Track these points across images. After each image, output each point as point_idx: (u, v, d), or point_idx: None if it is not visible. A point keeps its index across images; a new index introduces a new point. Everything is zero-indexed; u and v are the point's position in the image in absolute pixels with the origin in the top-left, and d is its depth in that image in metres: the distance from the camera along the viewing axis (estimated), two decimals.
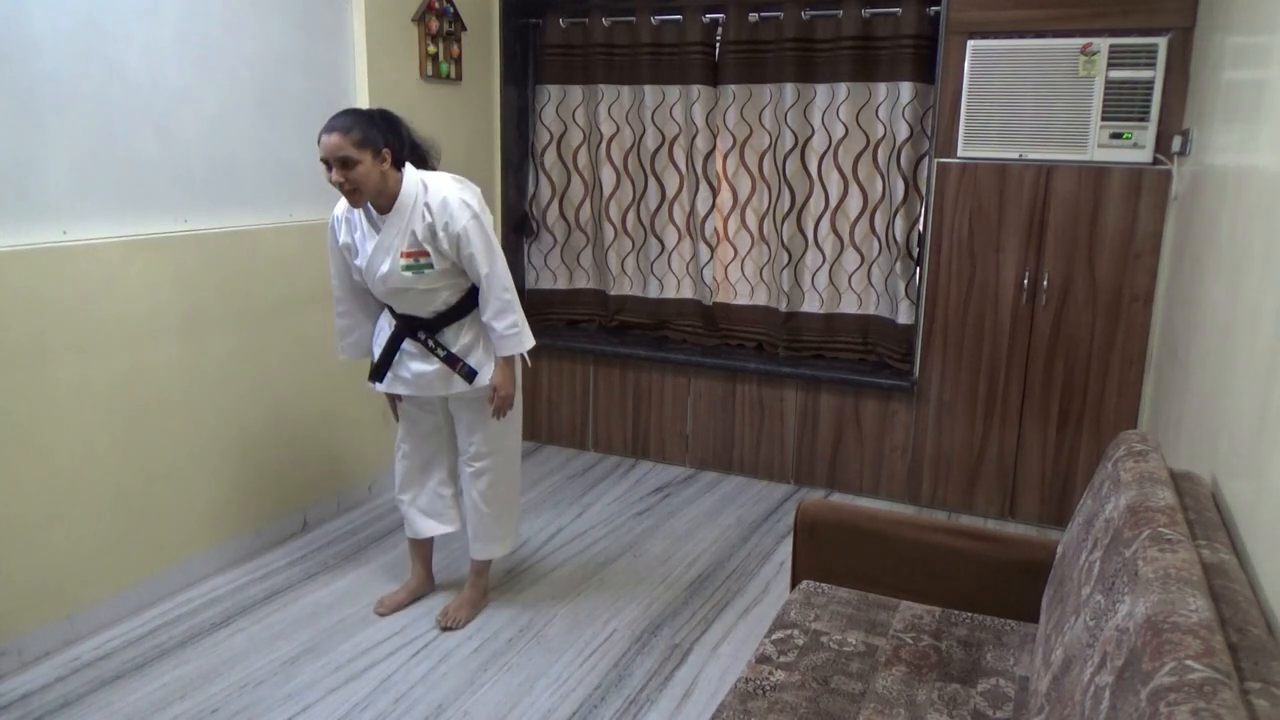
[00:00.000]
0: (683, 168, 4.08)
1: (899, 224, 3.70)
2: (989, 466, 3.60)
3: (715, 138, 4.01)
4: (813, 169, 3.81)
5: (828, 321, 3.95)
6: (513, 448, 2.80)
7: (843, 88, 3.71)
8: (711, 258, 4.10)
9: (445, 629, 2.73)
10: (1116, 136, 3.19)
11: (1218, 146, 2.51)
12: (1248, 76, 2.22)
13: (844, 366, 3.87)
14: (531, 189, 4.40)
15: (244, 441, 3.11)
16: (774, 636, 1.96)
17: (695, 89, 3.93)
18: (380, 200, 2.44)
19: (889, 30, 3.59)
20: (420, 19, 3.62)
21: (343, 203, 2.50)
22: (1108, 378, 3.37)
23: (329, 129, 2.33)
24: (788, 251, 3.92)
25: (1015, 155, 3.33)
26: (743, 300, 4.15)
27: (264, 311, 3.13)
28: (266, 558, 3.16)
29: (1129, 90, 3.15)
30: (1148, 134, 3.15)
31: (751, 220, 4.05)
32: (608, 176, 4.22)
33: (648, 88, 4.03)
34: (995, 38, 3.28)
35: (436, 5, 3.67)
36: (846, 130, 3.74)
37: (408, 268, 2.45)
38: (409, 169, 2.46)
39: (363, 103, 3.36)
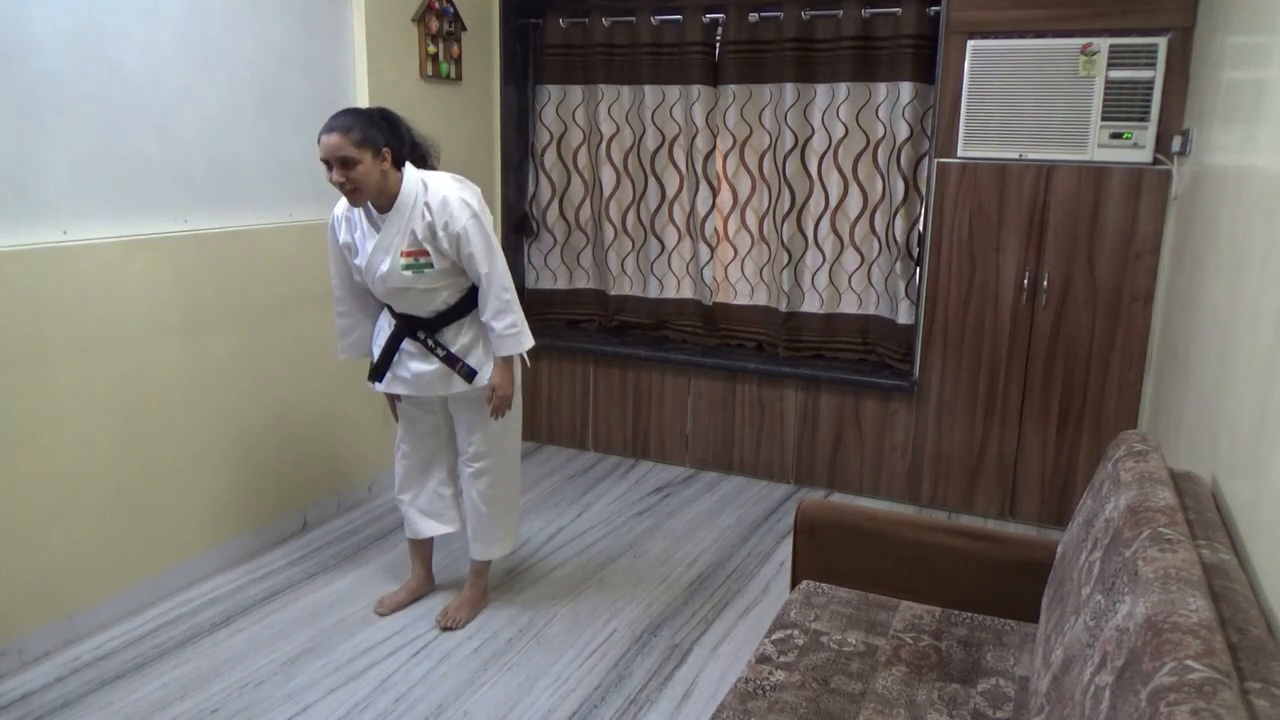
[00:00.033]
0: (683, 168, 4.08)
1: (899, 224, 3.70)
2: (989, 466, 3.60)
3: (715, 138, 4.01)
4: (813, 169, 3.81)
5: (828, 321, 3.95)
6: (512, 448, 2.80)
7: (843, 88, 3.71)
8: (711, 258, 4.10)
9: (445, 629, 2.73)
10: (1116, 136, 3.19)
11: (1218, 146, 2.51)
12: (1248, 76, 2.22)
13: (844, 366, 3.87)
14: (531, 189, 4.40)
15: (244, 441, 3.11)
16: (774, 636, 1.96)
17: (695, 89, 3.93)
18: (380, 199, 2.44)
19: (889, 30, 3.59)
20: (420, 19, 3.62)
21: (343, 202, 2.50)
22: (1108, 378, 3.37)
23: (329, 129, 2.33)
24: (788, 251, 3.92)
25: (1015, 155, 3.33)
26: (743, 300, 4.15)
27: (264, 311, 3.13)
28: (266, 558, 3.16)
29: (1129, 90, 3.15)
30: (1148, 134, 3.15)
31: (751, 220, 4.05)
32: (608, 176, 4.22)
33: (648, 88, 4.03)
34: (995, 38, 3.28)
35: (436, 5, 3.67)
36: (846, 130, 3.74)
37: (407, 267, 2.45)
38: (409, 168, 2.46)
39: (363, 103, 3.36)
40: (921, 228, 3.63)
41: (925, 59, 3.54)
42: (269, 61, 3.08)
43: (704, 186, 4.03)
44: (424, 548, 2.91)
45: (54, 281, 2.48)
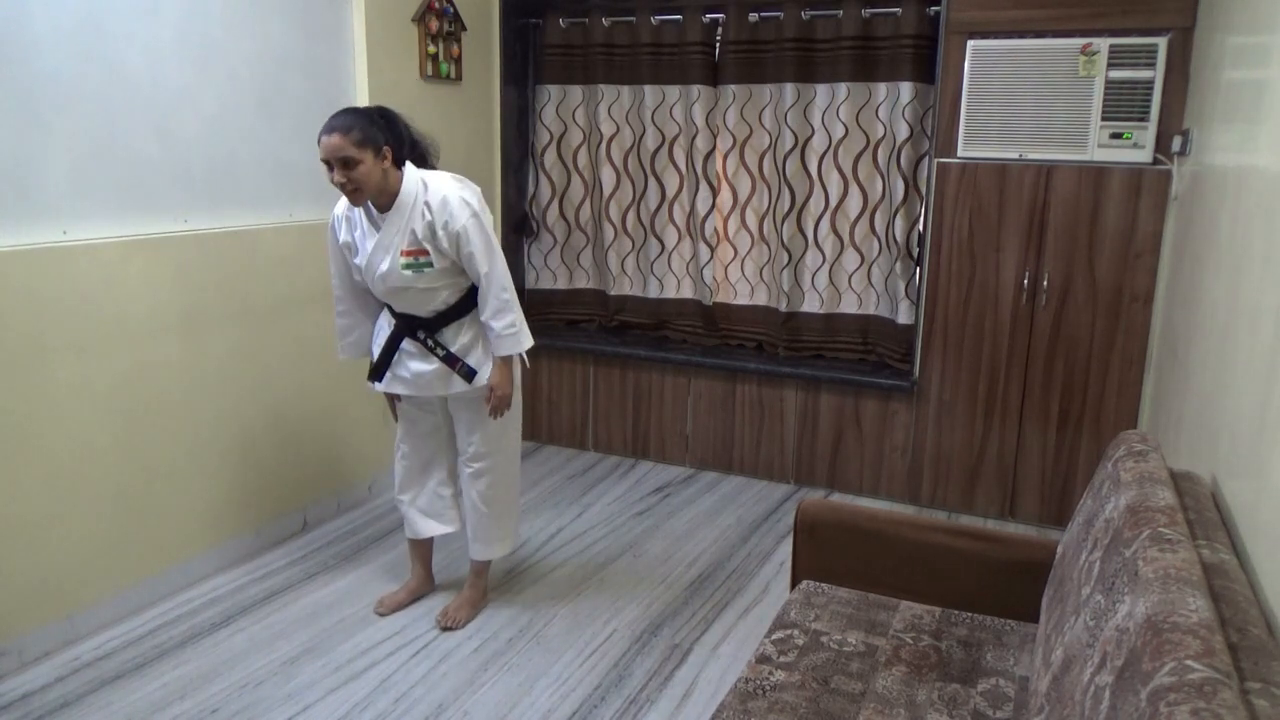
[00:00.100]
0: (683, 168, 4.08)
1: (899, 224, 3.70)
2: (989, 466, 3.60)
3: (715, 138, 4.01)
4: (813, 169, 3.81)
5: (828, 321, 3.95)
6: (512, 448, 2.80)
7: (843, 88, 3.71)
8: (711, 258, 4.10)
9: (445, 629, 2.73)
10: (1116, 136, 3.19)
11: (1218, 146, 2.51)
12: (1248, 76, 2.22)
13: (844, 366, 3.87)
14: (531, 189, 4.40)
15: (244, 441, 3.11)
16: (774, 636, 1.96)
17: (695, 89, 3.93)
18: (380, 199, 2.44)
19: (889, 30, 3.59)
20: (420, 19, 3.62)
21: (343, 201, 2.50)
22: (1108, 378, 3.37)
23: (329, 129, 2.33)
24: (788, 251, 3.92)
25: (1015, 155, 3.33)
26: (743, 300, 4.15)
27: (264, 311, 3.13)
28: (266, 558, 3.16)
29: (1129, 90, 3.15)
30: (1148, 134, 3.15)
31: (751, 220, 4.05)
32: (608, 176, 4.22)
33: (648, 88, 4.03)
34: (995, 38, 3.28)
35: (436, 5, 3.67)
36: (846, 130, 3.74)
37: (407, 266, 2.45)
38: (409, 168, 2.47)
39: (363, 103, 3.36)
40: (921, 228, 3.63)
41: (925, 59, 3.54)
42: (269, 61, 3.08)
43: (704, 186, 4.03)
44: (424, 548, 2.91)
45: (54, 281, 2.48)
